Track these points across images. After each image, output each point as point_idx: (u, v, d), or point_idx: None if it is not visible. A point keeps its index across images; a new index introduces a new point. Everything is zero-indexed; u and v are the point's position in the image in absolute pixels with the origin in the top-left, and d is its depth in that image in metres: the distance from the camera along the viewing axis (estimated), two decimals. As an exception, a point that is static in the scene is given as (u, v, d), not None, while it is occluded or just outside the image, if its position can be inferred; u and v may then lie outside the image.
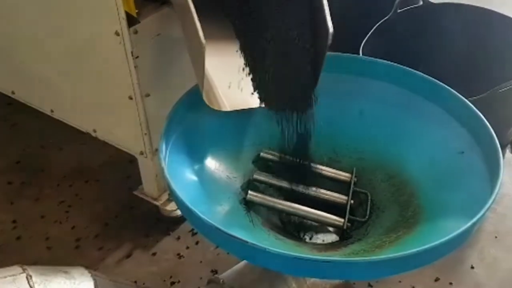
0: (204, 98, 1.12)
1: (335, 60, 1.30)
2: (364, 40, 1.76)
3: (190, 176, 1.15)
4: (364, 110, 1.30)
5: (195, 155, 1.18)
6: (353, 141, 1.30)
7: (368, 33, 1.78)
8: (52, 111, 1.64)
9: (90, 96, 1.51)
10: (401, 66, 1.28)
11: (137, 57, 1.32)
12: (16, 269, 0.93)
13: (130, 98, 1.40)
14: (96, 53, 1.40)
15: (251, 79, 1.20)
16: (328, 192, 1.24)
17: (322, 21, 1.17)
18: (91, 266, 1.53)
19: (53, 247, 1.59)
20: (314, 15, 1.21)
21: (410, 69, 1.27)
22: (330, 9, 1.16)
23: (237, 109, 1.16)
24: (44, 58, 1.55)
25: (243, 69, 1.21)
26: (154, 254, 1.58)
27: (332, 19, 1.14)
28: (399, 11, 1.80)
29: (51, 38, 1.48)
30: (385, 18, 1.81)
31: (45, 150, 1.89)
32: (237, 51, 1.22)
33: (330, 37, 1.14)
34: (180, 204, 1.02)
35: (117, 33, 1.29)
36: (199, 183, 1.16)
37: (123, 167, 1.75)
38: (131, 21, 1.29)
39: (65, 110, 1.62)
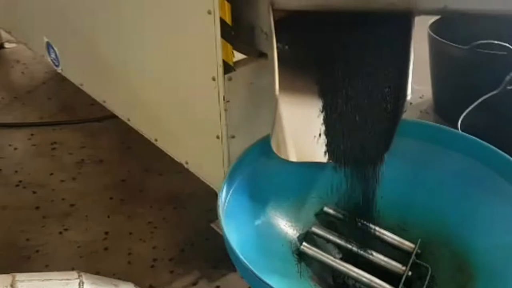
0: (273, 145, 1.17)
1: (417, 127, 1.29)
2: (466, 111, 1.71)
3: (247, 218, 1.20)
4: (439, 182, 1.26)
5: (257, 199, 1.23)
6: (423, 212, 1.26)
7: (471, 104, 1.72)
8: (156, 140, 1.82)
9: (185, 131, 1.66)
10: (481, 141, 1.22)
11: (228, 101, 1.43)
12: (73, 274, 1.04)
13: (217, 137, 1.51)
14: (193, 94, 1.54)
15: (325, 133, 1.24)
16: (387, 259, 1.22)
17: (403, 87, 1.18)
18: (159, 286, 1.66)
19: (132, 262, 1.73)
20: (398, 79, 1.22)
21: (490, 145, 1.21)
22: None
23: (304, 161, 1.20)
24: (154, 93, 1.74)
25: (319, 122, 1.25)
26: (217, 287, 1.64)
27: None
28: (508, 87, 1.72)
29: (160, 76, 1.66)
30: (493, 93, 1.74)
31: (147, 174, 2.08)
32: (316, 105, 1.27)
33: (405, 104, 1.14)
34: (228, 247, 1.05)
35: (213, 78, 1.42)
36: (255, 226, 1.20)
37: (208, 199, 1.85)
38: (227, 68, 1.40)
39: (166, 141, 1.79)
